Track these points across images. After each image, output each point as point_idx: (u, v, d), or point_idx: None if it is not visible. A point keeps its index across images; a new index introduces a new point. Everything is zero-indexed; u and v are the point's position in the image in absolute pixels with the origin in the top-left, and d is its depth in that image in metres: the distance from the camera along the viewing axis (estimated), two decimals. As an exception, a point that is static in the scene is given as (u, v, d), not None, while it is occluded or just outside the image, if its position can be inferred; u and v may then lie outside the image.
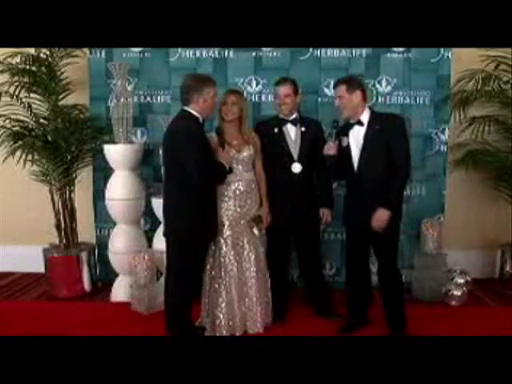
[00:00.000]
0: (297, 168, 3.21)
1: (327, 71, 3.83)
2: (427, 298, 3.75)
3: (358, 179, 2.95)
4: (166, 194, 3.01)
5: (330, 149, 2.95)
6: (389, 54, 3.83)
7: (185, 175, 2.79)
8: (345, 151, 2.96)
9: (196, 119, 2.86)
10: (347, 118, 2.99)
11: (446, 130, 3.91)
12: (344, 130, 3.00)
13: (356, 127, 2.93)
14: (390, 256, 3.01)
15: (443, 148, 3.93)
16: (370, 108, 3.00)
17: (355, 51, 3.83)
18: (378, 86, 3.86)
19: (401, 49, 3.82)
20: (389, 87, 3.87)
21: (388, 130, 2.87)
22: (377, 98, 3.86)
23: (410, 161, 2.94)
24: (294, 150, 3.22)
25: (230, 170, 2.97)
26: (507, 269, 3.96)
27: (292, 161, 3.21)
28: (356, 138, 2.93)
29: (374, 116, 2.93)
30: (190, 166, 2.75)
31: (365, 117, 2.92)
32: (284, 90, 3.19)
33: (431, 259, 3.77)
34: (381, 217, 2.86)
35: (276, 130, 3.25)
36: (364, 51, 3.83)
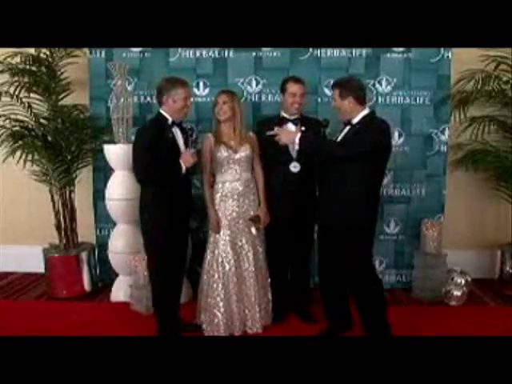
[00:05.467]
0: (295, 167, 3.20)
1: (327, 71, 3.83)
2: (427, 297, 3.76)
3: (324, 174, 2.92)
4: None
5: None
6: (389, 54, 3.83)
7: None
8: None
9: (165, 120, 2.89)
10: (342, 120, 2.93)
11: (446, 129, 3.91)
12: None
13: (347, 127, 2.88)
14: (352, 260, 2.81)
15: (443, 148, 3.93)
16: (372, 111, 2.87)
17: (355, 51, 3.83)
18: (377, 85, 3.86)
19: (401, 49, 3.82)
20: (389, 87, 3.87)
21: (363, 129, 2.76)
22: (377, 98, 3.87)
23: (351, 151, 2.69)
24: (293, 150, 3.20)
25: (192, 171, 2.97)
26: (507, 269, 3.96)
27: (290, 160, 3.20)
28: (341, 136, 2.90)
29: (366, 118, 2.81)
30: (134, 163, 2.85)
31: (357, 119, 2.82)
32: (301, 89, 3.20)
33: (431, 259, 3.77)
34: (288, 134, 2.91)
35: (276, 129, 3.24)
36: (364, 51, 3.83)
